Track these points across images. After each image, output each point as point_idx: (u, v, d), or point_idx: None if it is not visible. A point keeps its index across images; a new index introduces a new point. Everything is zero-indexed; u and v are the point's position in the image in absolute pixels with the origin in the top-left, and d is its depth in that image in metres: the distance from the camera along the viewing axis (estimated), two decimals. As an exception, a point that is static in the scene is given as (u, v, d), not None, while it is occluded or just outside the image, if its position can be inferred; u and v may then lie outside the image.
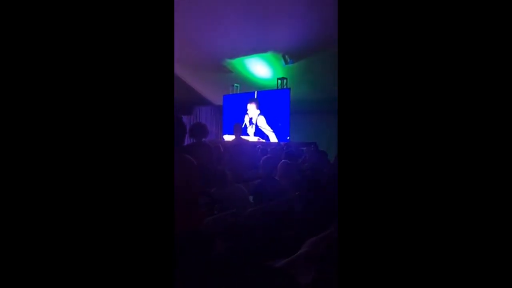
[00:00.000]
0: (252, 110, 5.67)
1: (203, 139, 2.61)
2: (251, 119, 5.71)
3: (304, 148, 4.35)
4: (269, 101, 5.47)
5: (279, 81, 5.31)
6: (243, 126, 5.69)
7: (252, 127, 5.68)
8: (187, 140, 2.98)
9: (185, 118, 7.29)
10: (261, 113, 5.58)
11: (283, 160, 2.59)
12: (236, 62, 5.37)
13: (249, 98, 5.75)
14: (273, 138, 5.36)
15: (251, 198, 2.26)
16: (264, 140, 5.35)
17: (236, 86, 6.13)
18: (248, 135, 5.61)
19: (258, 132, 5.58)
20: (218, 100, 6.84)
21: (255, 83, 5.86)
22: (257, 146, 4.27)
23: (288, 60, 4.81)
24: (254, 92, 5.71)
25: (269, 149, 3.88)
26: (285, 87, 5.27)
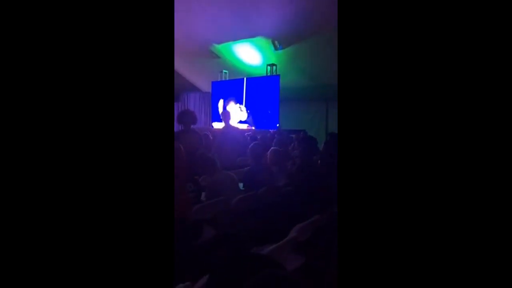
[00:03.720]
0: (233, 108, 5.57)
1: (192, 126, 2.56)
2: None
3: (293, 135, 4.35)
4: (259, 88, 5.41)
5: (269, 67, 5.23)
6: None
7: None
8: (176, 127, 2.92)
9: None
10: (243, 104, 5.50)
11: (273, 147, 2.58)
12: (224, 47, 5.24)
13: (238, 84, 5.66)
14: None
15: (241, 185, 2.25)
16: (253, 127, 5.32)
17: (225, 72, 6.01)
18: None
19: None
20: (206, 87, 6.71)
21: (244, 70, 5.76)
22: (246, 134, 4.24)
23: (278, 45, 4.73)
24: (243, 78, 5.61)
25: (258, 137, 3.86)
26: (274, 73, 5.21)
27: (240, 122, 5.55)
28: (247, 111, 5.52)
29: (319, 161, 2.48)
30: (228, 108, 5.55)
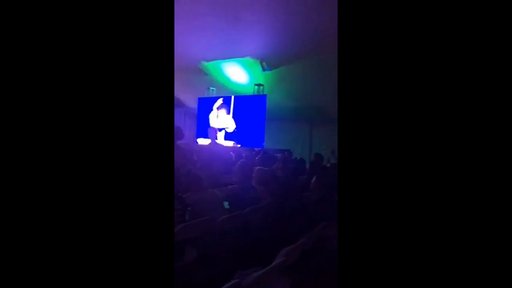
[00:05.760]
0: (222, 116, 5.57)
1: (177, 142, 2.52)
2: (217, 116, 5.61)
3: (279, 155, 4.37)
4: (246, 106, 5.46)
5: (256, 87, 5.32)
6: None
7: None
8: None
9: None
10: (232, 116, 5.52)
11: (258, 167, 2.56)
12: (212, 65, 5.30)
13: (225, 101, 5.69)
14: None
15: (226, 204, 2.21)
16: (239, 145, 5.30)
17: (212, 89, 6.04)
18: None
19: (228, 136, 5.53)
20: (192, 103, 6.69)
21: (231, 88, 5.82)
22: (231, 152, 4.21)
23: (266, 67, 4.84)
24: (231, 96, 5.66)
25: (243, 155, 3.84)
26: (261, 93, 5.29)
27: (226, 137, 5.53)
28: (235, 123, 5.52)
29: (312, 182, 2.48)
30: (219, 114, 5.54)
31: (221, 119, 5.59)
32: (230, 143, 5.41)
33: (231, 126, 5.54)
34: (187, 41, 4.63)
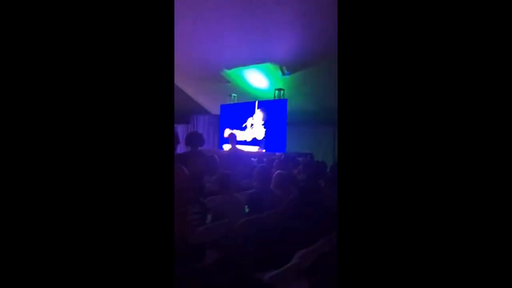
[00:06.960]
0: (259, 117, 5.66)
1: (199, 148, 2.62)
2: (252, 124, 5.71)
3: (301, 159, 4.35)
4: (267, 111, 5.52)
5: (277, 91, 5.37)
6: (243, 126, 5.72)
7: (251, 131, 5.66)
8: (183, 149, 2.99)
9: (182, 127, 7.32)
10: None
11: (278, 171, 2.59)
12: (233, 72, 5.43)
13: (247, 107, 5.78)
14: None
15: (246, 208, 2.25)
16: (264, 150, 5.35)
17: (234, 96, 6.18)
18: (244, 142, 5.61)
19: (256, 142, 5.59)
20: (215, 110, 6.88)
21: (252, 93, 5.92)
22: (253, 157, 4.27)
23: (285, 71, 4.88)
24: (255, 101, 5.72)
25: (265, 159, 3.88)
26: (282, 97, 5.32)
27: (254, 142, 5.60)
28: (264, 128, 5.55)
29: (323, 185, 2.46)
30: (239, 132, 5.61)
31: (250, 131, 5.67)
32: (254, 148, 5.48)
33: (259, 135, 5.60)
34: (209, 49, 4.81)
